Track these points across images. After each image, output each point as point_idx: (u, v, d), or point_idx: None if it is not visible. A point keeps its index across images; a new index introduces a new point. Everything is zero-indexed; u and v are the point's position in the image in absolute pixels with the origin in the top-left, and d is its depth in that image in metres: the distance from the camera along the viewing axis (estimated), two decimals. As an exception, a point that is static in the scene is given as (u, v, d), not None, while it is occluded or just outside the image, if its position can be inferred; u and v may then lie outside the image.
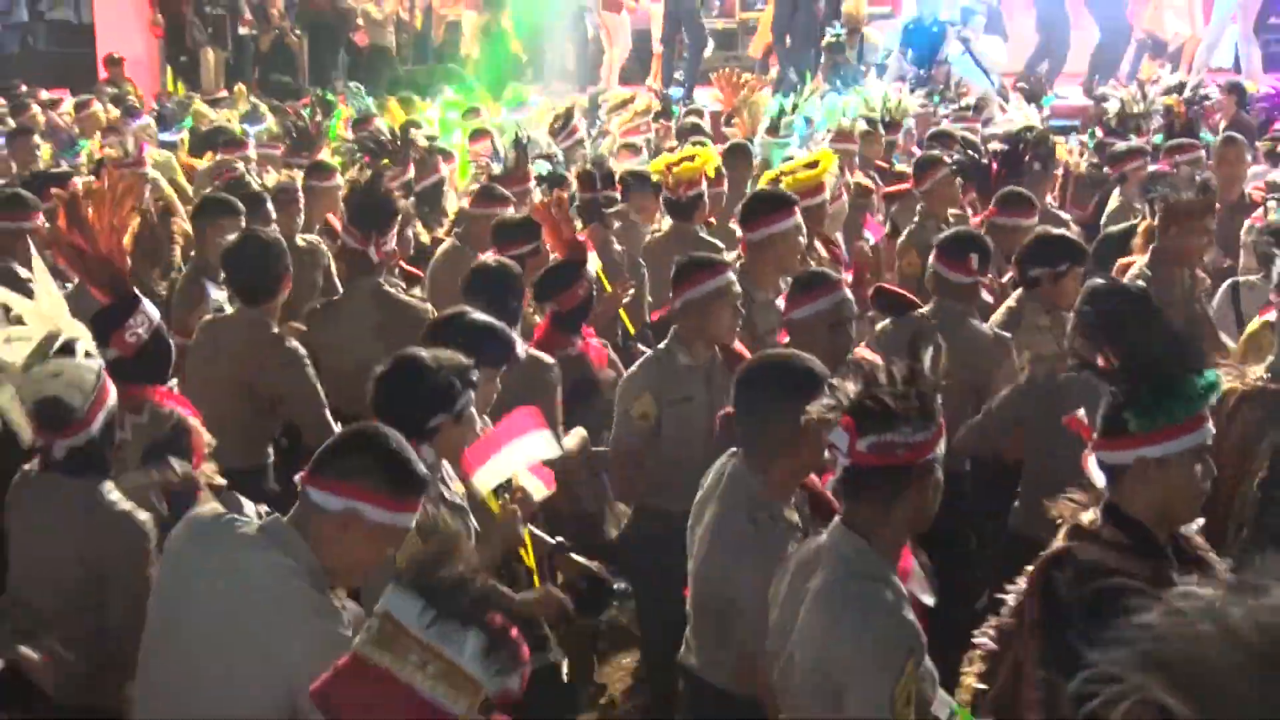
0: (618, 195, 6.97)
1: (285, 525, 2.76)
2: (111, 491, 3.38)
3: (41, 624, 3.31)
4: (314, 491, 2.73)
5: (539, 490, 3.65)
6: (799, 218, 5.34)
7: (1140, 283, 4.73)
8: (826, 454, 2.74)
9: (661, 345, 4.52)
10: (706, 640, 3.35)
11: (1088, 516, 2.76)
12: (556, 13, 15.98)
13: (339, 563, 2.72)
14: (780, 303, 5.09)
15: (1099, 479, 2.77)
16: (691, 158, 6.77)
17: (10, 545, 3.54)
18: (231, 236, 5.18)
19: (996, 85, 13.68)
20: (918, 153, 8.08)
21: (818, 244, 6.04)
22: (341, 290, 5.94)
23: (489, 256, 5.18)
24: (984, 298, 5.15)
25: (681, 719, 3.66)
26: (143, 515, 3.34)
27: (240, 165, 8.16)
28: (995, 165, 7.04)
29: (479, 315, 3.96)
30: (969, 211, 7.10)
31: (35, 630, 3.30)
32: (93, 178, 7.68)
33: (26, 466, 3.59)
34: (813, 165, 6.31)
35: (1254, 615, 1.11)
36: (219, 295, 5.52)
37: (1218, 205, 5.59)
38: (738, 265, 5.05)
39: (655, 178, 6.93)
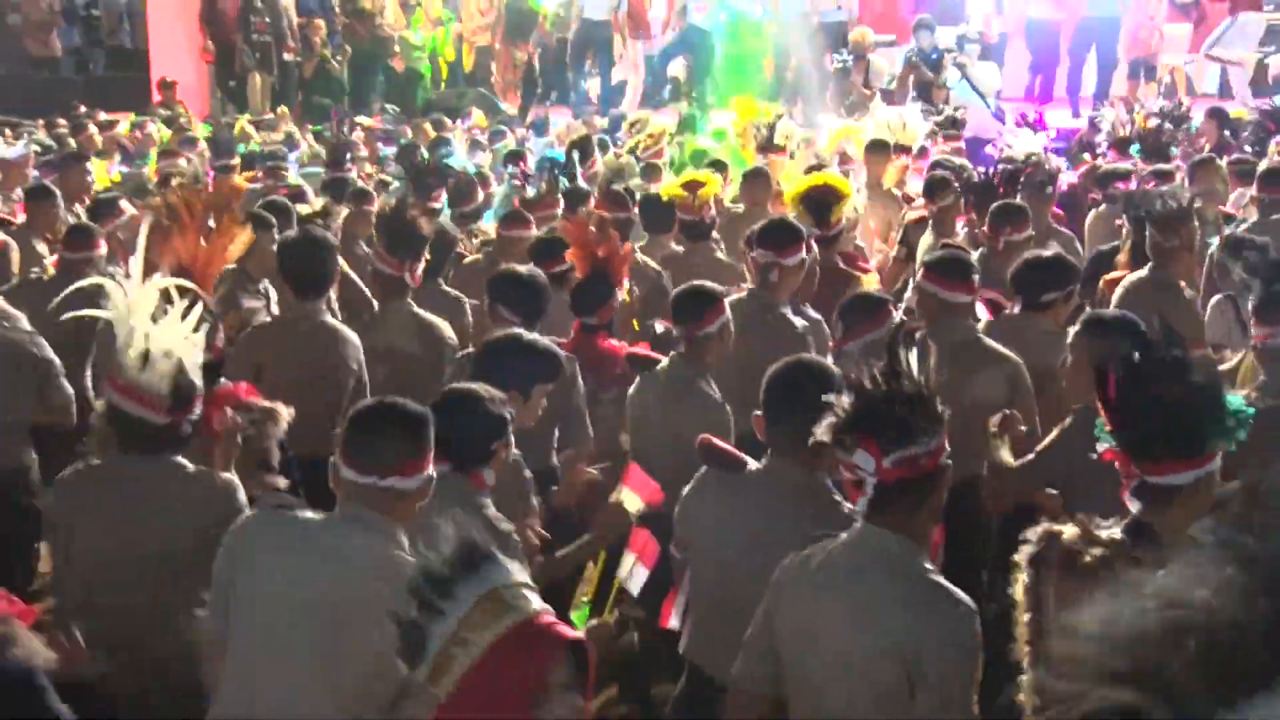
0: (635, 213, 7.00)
1: (361, 507, 2.86)
2: (189, 465, 3.41)
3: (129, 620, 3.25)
4: (402, 480, 2.85)
5: (634, 503, 3.64)
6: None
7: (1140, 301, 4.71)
8: (849, 475, 2.70)
9: (690, 373, 4.35)
10: (720, 636, 3.31)
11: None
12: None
13: (412, 515, 2.89)
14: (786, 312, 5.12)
15: (1135, 506, 2.67)
16: (701, 182, 6.70)
17: (79, 542, 3.40)
18: (277, 242, 5.35)
19: (993, 108, 13.71)
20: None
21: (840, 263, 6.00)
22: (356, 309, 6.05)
23: (516, 266, 5.17)
24: (980, 314, 5.03)
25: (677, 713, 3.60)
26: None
27: (291, 178, 8.34)
28: (1000, 186, 6.84)
29: (532, 336, 4.01)
30: (964, 232, 6.86)
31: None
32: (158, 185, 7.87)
33: (67, 472, 3.49)
34: (836, 194, 6.10)
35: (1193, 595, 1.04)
36: (253, 304, 5.61)
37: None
38: (754, 284, 5.07)
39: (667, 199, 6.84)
